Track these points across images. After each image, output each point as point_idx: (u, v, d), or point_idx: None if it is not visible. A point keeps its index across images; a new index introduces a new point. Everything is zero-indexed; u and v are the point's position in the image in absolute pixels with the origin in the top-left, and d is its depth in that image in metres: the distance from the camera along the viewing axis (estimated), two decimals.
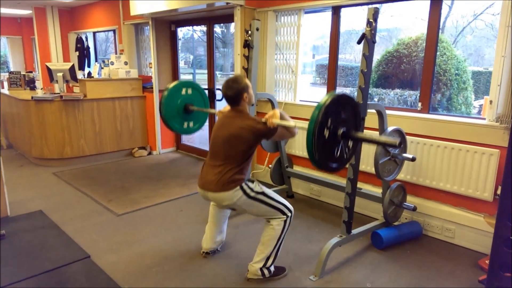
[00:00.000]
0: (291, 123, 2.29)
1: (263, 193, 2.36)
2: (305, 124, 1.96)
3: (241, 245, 2.91)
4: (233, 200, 2.32)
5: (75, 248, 2.85)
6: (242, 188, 2.31)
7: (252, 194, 2.33)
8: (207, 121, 3.50)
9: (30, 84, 6.25)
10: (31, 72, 6.99)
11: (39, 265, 2.61)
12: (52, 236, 3.05)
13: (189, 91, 3.10)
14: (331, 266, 2.63)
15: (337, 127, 1.98)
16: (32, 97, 4.84)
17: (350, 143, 2.11)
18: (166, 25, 5.55)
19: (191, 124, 3.18)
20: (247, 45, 3.35)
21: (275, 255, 2.43)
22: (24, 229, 3.15)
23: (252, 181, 2.38)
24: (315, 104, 4.03)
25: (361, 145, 2.61)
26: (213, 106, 5.25)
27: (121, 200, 3.83)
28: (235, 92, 2.33)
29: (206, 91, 5.10)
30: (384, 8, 3.67)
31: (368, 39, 2.44)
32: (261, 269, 2.41)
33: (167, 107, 3.01)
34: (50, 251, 2.79)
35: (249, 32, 3.32)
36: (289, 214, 2.43)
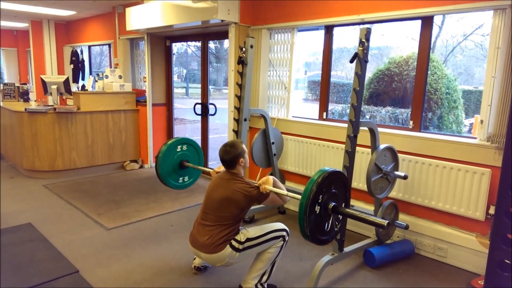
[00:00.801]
0: (283, 191, 2.34)
1: (247, 240, 2.35)
2: (298, 196, 2.04)
3: None
4: (226, 260, 2.34)
5: (64, 262, 2.80)
6: (231, 245, 2.33)
7: (240, 246, 2.34)
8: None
9: (24, 96, 6.23)
10: (25, 84, 6.97)
11: (27, 279, 2.54)
12: (41, 249, 2.99)
13: (184, 147, 3.18)
14: (323, 284, 2.60)
15: (328, 201, 2.04)
16: (25, 109, 4.82)
17: (339, 218, 2.18)
18: (161, 40, 5.60)
19: (185, 179, 3.25)
20: (241, 61, 3.39)
21: (270, 271, 2.43)
22: (12, 242, 3.08)
23: (238, 232, 2.39)
24: (308, 121, 4.06)
25: (354, 160, 2.62)
26: (206, 120, 5.26)
27: (112, 214, 3.78)
28: (231, 157, 2.41)
29: (200, 105, 5.14)
30: (376, 27, 3.74)
31: (360, 58, 2.48)
32: (256, 285, 2.38)
33: (163, 164, 3.05)
34: (38, 265, 2.74)
35: (244, 49, 3.37)
36: (284, 234, 2.44)
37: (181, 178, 3.21)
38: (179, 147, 3.14)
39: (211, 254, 2.34)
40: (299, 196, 2.01)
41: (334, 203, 2.06)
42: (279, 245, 2.41)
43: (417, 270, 2.86)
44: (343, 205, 2.14)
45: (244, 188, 2.36)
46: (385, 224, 1.97)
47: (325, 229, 2.07)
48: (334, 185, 2.06)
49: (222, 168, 2.56)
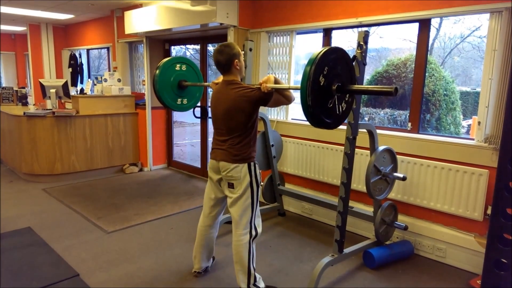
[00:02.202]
0: (284, 85, 2.29)
1: (257, 194, 2.41)
2: (299, 88, 1.92)
3: (233, 265, 2.88)
4: (239, 173, 2.34)
5: (64, 266, 2.80)
6: (249, 167, 2.36)
7: (254, 179, 2.37)
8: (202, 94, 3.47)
9: (22, 99, 6.23)
10: (23, 87, 6.97)
11: (27, 283, 2.55)
12: (41, 253, 2.99)
13: (183, 67, 3.09)
14: (323, 285, 2.61)
15: (331, 82, 1.92)
16: (24, 113, 4.82)
17: (346, 98, 2.06)
18: (160, 43, 5.61)
19: (184, 101, 3.18)
20: None
21: (253, 271, 2.41)
22: (12, 247, 3.08)
23: (259, 174, 2.42)
24: (307, 123, 4.07)
25: (353, 161, 2.64)
26: (205, 123, 5.27)
27: (111, 218, 3.78)
28: (226, 58, 2.31)
29: (199, 109, 5.15)
30: (374, 29, 3.78)
31: (358, 61, 2.50)
32: (248, 286, 2.39)
33: (161, 81, 2.98)
34: (38, 269, 2.74)
35: (243, 52, 3.37)
36: (254, 234, 2.42)
37: (179, 99, 3.14)
38: (177, 65, 3.05)
39: (231, 163, 2.33)
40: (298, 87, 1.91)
41: (338, 83, 1.93)
42: (245, 239, 2.38)
43: (417, 271, 2.87)
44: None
45: (244, 93, 2.28)
46: (392, 89, 1.81)
47: (328, 105, 1.94)
48: (338, 63, 1.94)
49: (221, 78, 2.48)
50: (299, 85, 1.91)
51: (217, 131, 2.45)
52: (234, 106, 2.29)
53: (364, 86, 1.97)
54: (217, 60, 2.34)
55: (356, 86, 2.03)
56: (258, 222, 2.48)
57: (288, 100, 2.40)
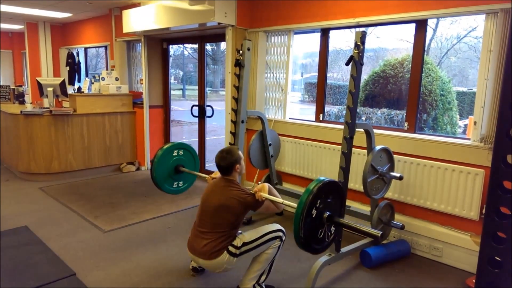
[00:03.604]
0: (278, 199, 2.37)
1: (244, 244, 2.37)
2: (294, 204, 2.09)
3: None
4: (224, 266, 2.35)
5: (60, 265, 2.80)
6: (228, 251, 2.34)
7: (237, 252, 2.35)
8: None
9: (20, 98, 6.21)
10: (20, 86, 6.95)
11: (23, 282, 2.54)
12: (37, 252, 2.99)
13: (181, 152, 3.18)
14: (320, 285, 2.62)
15: (323, 210, 2.09)
16: (21, 111, 4.80)
17: (333, 229, 2.22)
18: (158, 42, 5.61)
19: (180, 184, 3.26)
20: (238, 64, 3.41)
21: (268, 271, 2.45)
22: (8, 245, 3.08)
23: (234, 237, 2.40)
24: (304, 122, 4.09)
25: (350, 161, 2.65)
26: (203, 122, 5.28)
27: (108, 216, 3.78)
28: (227, 164, 2.43)
29: (197, 107, 5.15)
30: (371, 29, 3.80)
31: (356, 61, 2.51)
32: (254, 285, 2.40)
33: (158, 169, 3.06)
34: (35, 268, 2.73)
35: (241, 51, 3.39)
36: (280, 234, 2.45)
37: (175, 183, 3.21)
38: (175, 151, 3.14)
39: (209, 261, 2.35)
40: (295, 205, 2.06)
41: (329, 213, 2.11)
42: (276, 245, 2.43)
43: (413, 270, 2.89)
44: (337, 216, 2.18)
45: (239, 195, 2.36)
46: (379, 235, 2.04)
47: (318, 236, 2.11)
48: (330, 195, 2.12)
49: (218, 174, 2.57)
50: (294, 204, 2.11)
51: (201, 221, 2.45)
52: (226, 203, 2.35)
53: (351, 223, 2.17)
54: (219, 165, 2.45)
55: (345, 222, 2.17)
56: (273, 232, 2.45)
57: (278, 209, 2.47)
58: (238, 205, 2.34)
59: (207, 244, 2.35)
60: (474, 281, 2.62)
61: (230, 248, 2.34)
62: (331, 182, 2.11)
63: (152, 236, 3.38)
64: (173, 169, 3.15)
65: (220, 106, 5.04)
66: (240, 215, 2.39)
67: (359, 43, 2.49)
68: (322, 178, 2.10)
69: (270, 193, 2.38)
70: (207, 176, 2.83)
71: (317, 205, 2.03)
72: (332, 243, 2.31)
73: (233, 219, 2.36)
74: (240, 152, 2.50)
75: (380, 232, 2.01)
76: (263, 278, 2.43)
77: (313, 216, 2.02)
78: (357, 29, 2.58)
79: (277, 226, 2.48)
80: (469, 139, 2.91)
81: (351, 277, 2.76)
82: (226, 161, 2.42)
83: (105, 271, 2.75)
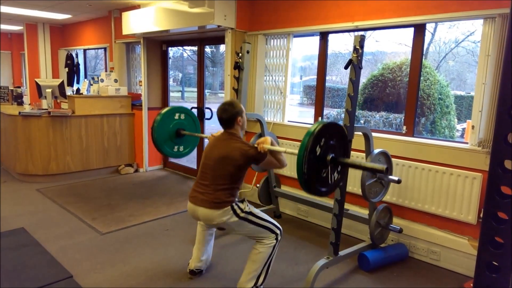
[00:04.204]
0: (280, 148, 2.35)
1: (251, 213, 2.38)
2: (296, 150, 2.04)
3: (228, 266, 2.89)
4: (223, 219, 2.32)
5: (58, 267, 2.79)
6: (232, 208, 2.32)
7: (242, 214, 2.34)
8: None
9: (18, 99, 6.20)
10: (19, 87, 6.94)
11: (20, 284, 2.53)
12: (34, 254, 2.98)
13: (182, 116, 3.19)
14: None
15: (326, 152, 2.06)
16: (19, 112, 4.80)
17: (339, 169, 2.18)
18: (158, 44, 5.61)
19: (181, 148, 3.26)
20: (237, 66, 3.42)
21: (265, 273, 2.43)
22: (5, 247, 3.06)
23: (242, 201, 2.40)
24: (303, 125, 4.09)
25: (348, 168, 2.65)
26: (202, 124, 5.27)
27: (106, 218, 3.77)
28: (229, 116, 2.39)
29: (196, 110, 5.15)
30: (369, 33, 3.82)
31: (354, 65, 2.52)
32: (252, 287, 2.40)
33: (159, 130, 3.06)
34: (32, 270, 2.72)
35: (240, 54, 3.40)
36: (278, 232, 2.45)
37: (176, 147, 3.22)
38: (176, 115, 3.15)
39: (210, 210, 2.31)
40: (296, 151, 2.02)
41: (332, 155, 2.08)
42: (271, 243, 2.40)
43: (411, 274, 2.89)
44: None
45: (241, 147, 2.33)
46: (383, 168, 2.00)
47: (322, 175, 2.07)
48: (332, 137, 2.09)
49: (220, 133, 2.54)
50: (295, 150, 2.07)
51: (202, 174, 2.44)
52: (228, 155, 2.33)
53: (357, 161, 2.21)
54: (221, 117, 2.42)
55: (349, 161, 2.17)
56: (273, 225, 2.45)
57: (280, 164, 2.45)
58: (240, 157, 2.31)
59: (209, 194, 2.33)
60: (472, 285, 2.63)
61: (236, 206, 2.33)
62: (334, 124, 2.09)
63: (150, 238, 3.37)
64: (174, 133, 3.16)
65: None
66: (242, 168, 2.35)
67: (358, 47, 2.50)
68: (319, 122, 2.08)
69: (272, 146, 2.34)
70: (208, 135, 2.80)
71: (321, 144, 2.00)
72: (336, 188, 2.23)
73: (234, 171, 2.33)
74: (241, 105, 2.47)
75: (385, 165, 1.98)
76: (260, 280, 2.42)
77: (317, 154, 1.99)
78: (356, 33, 2.59)
79: (278, 224, 2.48)
80: (467, 143, 2.92)
81: (349, 281, 2.76)
82: (228, 113, 2.39)
83: (102, 273, 2.75)
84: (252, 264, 2.41)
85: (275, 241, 2.43)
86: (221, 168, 2.34)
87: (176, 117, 3.14)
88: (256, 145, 2.35)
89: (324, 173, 2.09)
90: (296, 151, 2.02)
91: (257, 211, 2.44)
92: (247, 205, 2.41)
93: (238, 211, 2.33)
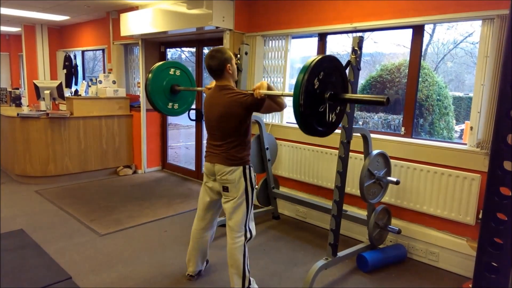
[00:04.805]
0: (277, 92, 2.30)
1: (252, 191, 2.43)
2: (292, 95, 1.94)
3: (227, 268, 2.88)
4: (233, 176, 2.35)
5: (56, 268, 2.78)
6: (244, 170, 2.38)
7: (249, 183, 2.39)
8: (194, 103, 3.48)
9: (16, 100, 6.18)
10: (17, 88, 6.93)
11: (18, 286, 2.52)
12: (33, 256, 2.97)
13: (177, 72, 3.10)
14: None
15: (325, 88, 1.95)
16: (17, 114, 4.79)
17: (337, 110, 2.08)
18: (156, 46, 5.61)
19: (175, 105, 3.18)
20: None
21: (247, 273, 2.43)
22: (3, 249, 3.05)
23: (254, 177, 2.45)
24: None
25: (347, 165, 2.65)
26: (200, 126, 5.27)
27: (105, 220, 3.76)
28: (218, 63, 2.31)
29: (194, 111, 5.14)
30: (368, 34, 3.82)
31: (353, 66, 2.52)
32: None
33: (153, 84, 2.98)
34: (30, 272, 2.71)
35: (238, 55, 3.39)
36: (249, 236, 2.46)
37: (171, 104, 3.15)
38: (171, 70, 3.06)
39: (226, 166, 2.35)
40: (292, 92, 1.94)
41: (331, 92, 1.96)
42: (241, 235, 2.41)
43: (410, 275, 2.89)
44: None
45: (237, 99, 2.28)
46: (384, 99, 1.85)
47: (319, 110, 1.96)
48: (333, 74, 1.99)
49: (214, 83, 2.48)
50: (292, 92, 1.94)
51: (211, 135, 2.46)
52: (227, 111, 2.30)
53: (356, 95, 2.00)
54: (209, 65, 2.34)
55: (348, 95, 2.06)
56: (252, 225, 2.50)
57: (280, 107, 2.40)
58: (239, 109, 2.28)
59: (224, 152, 2.36)
60: (470, 285, 2.63)
61: (247, 171, 2.39)
62: (334, 58, 2.00)
63: (148, 240, 3.36)
64: (169, 89, 3.09)
65: None
66: (245, 118, 2.33)
67: (356, 48, 2.50)
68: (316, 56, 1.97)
69: (269, 89, 2.28)
70: (203, 88, 2.76)
71: (320, 77, 1.90)
72: (334, 128, 2.11)
73: (238, 124, 2.32)
74: (230, 52, 2.37)
75: (386, 96, 1.83)
76: (246, 282, 2.42)
77: (315, 87, 1.89)
78: (354, 34, 2.59)
79: (254, 231, 2.51)
80: (465, 144, 2.93)
81: (347, 282, 2.76)
82: (216, 60, 2.30)
83: (100, 275, 2.74)
84: (231, 269, 2.43)
85: (243, 239, 2.43)
86: (226, 125, 2.34)
87: (171, 72, 3.05)
88: (252, 91, 2.28)
89: (322, 108, 1.97)
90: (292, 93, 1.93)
91: (253, 198, 2.48)
92: (256, 186, 2.44)
93: (248, 177, 2.39)
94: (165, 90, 3.08)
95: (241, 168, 2.37)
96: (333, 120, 2.08)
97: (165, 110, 3.15)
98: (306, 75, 1.85)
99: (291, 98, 1.94)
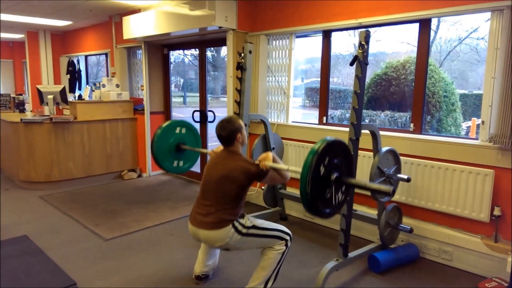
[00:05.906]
0: (283, 166, 2.29)
1: (254, 227, 2.31)
2: (299, 168, 1.97)
3: (235, 270, 2.82)
4: (226, 240, 2.26)
5: (61, 275, 2.73)
6: (234, 226, 2.26)
7: (244, 230, 2.28)
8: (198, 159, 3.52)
9: (20, 106, 6.17)
10: (21, 94, 6.93)
11: None
12: (37, 262, 2.92)
13: (183, 130, 3.14)
14: None
15: (330, 172, 1.99)
16: (21, 119, 4.77)
17: (343, 189, 2.11)
18: (159, 48, 5.58)
19: (181, 163, 3.21)
20: (240, 67, 3.37)
21: (274, 278, 2.36)
22: (8, 255, 3.01)
23: (242, 216, 2.33)
24: (307, 126, 4.03)
25: (357, 163, 2.59)
26: (205, 127, 5.23)
27: (110, 224, 3.72)
28: (228, 133, 2.32)
29: (198, 113, 5.11)
30: (372, 30, 3.78)
31: (360, 61, 2.47)
32: None
33: (159, 143, 3.01)
34: (35, 278, 2.67)
35: (242, 54, 3.35)
36: (287, 238, 2.39)
37: (176, 162, 3.16)
38: (177, 128, 3.09)
39: (212, 231, 2.25)
40: (299, 169, 1.95)
41: (336, 174, 1.99)
42: (280, 249, 2.34)
43: (423, 275, 2.81)
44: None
45: (242, 165, 2.27)
46: (390, 190, 1.91)
47: (326, 195, 1.99)
48: (336, 155, 2.02)
49: (221, 148, 2.47)
50: (298, 168, 1.98)
51: (204, 194, 2.38)
52: (229, 174, 2.27)
53: (362, 181, 2.09)
54: (220, 135, 2.35)
55: (355, 180, 2.08)
56: (281, 231, 2.39)
57: (284, 179, 2.38)
58: (242, 176, 2.25)
59: (210, 215, 2.27)
60: (487, 285, 2.55)
61: (237, 224, 2.26)
62: (338, 141, 2.02)
63: (154, 243, 3.31)
64: (174, 147, 3.11)
65: (221, 112, 4.99)
66: (244, 187, 2.29)
67: (363, 43, 2.45)
68: (322, 139, 2.00)
69: (274, 162, 2.27)
70: (209, 151, 2.75)
71: (325, 163, 1.92)
72: (340, 209, 2.13)
73: (237, 190, 2.27)
74: (240, 121, 2.39)
75: (392, 187, 1.87)
76: (269, 285, 2.35)
77: (321, 173, 1.91)
78: (360, 30, 2.54)
79: (286, 229, 2.42)
80: (476, 139, 2.85)
81: (359, 283, 2.69)
82: (227, 130, 2.32)
83: (106, 280, 2.68)
84: (261, 270, 2.35)
85: (284, 247, 2.36)
86: (223, 188, 2.28)
87: (177, 131, 3.08)
88: (257, 162, 2.29)
89: (328, 193, 2.01)
90: (299, 169, 1.95)
91: (260, 222, 2.37)
92: (248, 219, 2.34)
93: (240, 227, 2.27)
94: (171, 150, 3.12)
95: (229, 226, 2.25)
96: (339, 201, 2.10)
97: (171, 169, 3.20)
98: (314, 159, 1.89)
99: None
